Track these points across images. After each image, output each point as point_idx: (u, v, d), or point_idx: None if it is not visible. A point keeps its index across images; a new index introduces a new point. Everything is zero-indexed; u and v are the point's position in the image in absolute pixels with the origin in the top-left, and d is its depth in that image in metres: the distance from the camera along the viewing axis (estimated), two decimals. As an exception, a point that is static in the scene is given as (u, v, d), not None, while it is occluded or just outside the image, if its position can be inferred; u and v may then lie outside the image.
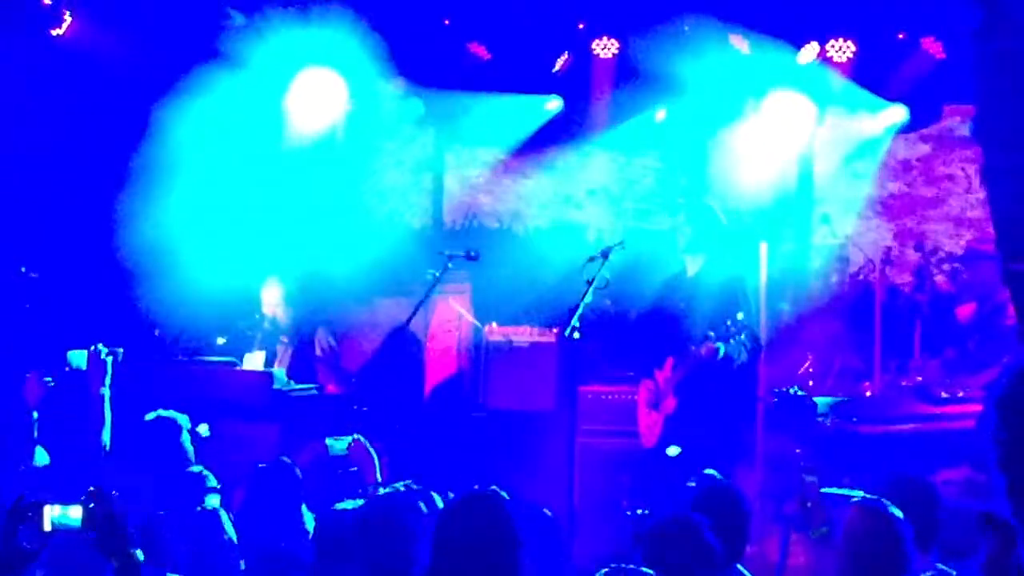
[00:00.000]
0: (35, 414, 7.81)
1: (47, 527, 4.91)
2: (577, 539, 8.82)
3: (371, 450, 9.16)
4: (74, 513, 4.93)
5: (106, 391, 8.14)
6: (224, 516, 6.54)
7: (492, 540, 5.05)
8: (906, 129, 12.06)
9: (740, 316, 9.19)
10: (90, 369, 8.39)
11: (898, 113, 11.97)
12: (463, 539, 5.05)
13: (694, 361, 9.26)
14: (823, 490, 7.78)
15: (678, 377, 9.37)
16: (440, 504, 5.84)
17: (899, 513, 5.63)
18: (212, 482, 6.77)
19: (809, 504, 6.15)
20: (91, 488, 5.00)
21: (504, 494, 5.25)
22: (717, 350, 9.14)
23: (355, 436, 8.60)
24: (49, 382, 8.27)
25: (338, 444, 8.39)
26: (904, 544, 5.54)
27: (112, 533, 4.74)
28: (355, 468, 7.85)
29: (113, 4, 11.47)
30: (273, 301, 10.27)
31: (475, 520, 5.08)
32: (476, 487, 5.32)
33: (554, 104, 12.43)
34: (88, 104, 11.74)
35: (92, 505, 4.79)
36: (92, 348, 8.54)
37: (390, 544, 5.46)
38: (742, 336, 9.14)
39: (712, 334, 9.15)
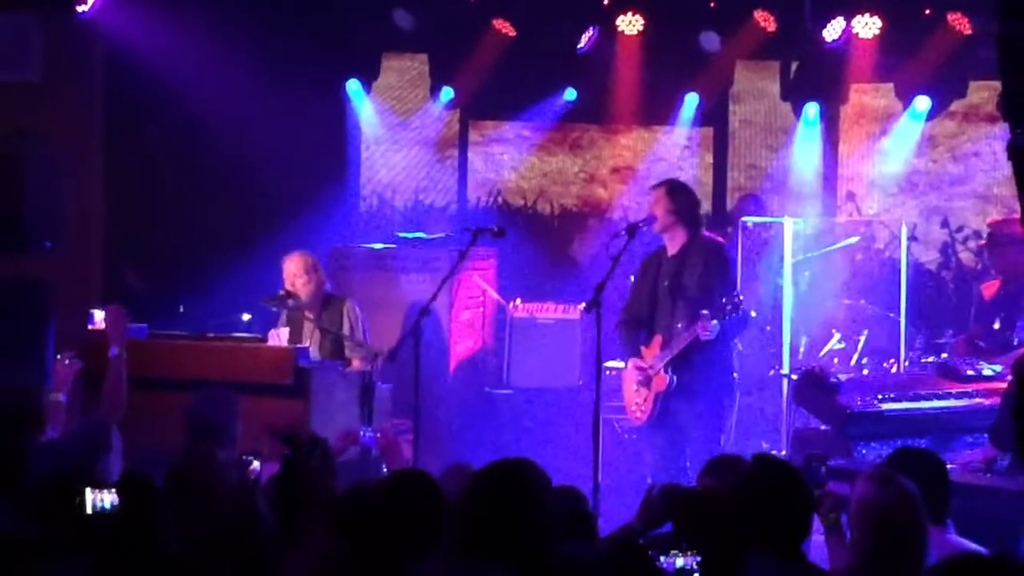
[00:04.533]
0: (60, 396, 7.79)
1: (88, 510, 4.90)
2: (602, 515, 8.83)
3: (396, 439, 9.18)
4: (110, 497, 4.92)
5: (123, 351, 8.06)
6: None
7: (519, 506, 5.11)
8: (932, 107, 12.01)
9: (733, 292, 9.20)
10: (108, 327, 8.33)
11: (922, 103, 11.94)
12: (491, 505, 5.11)
13: (688, 338, 9.25)
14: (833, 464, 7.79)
15: (670, 354, 9.35)
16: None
17: (910, 483, 5.62)
18: (253, 460, 6.79)
19: (818, 492, 6.12)
20: (126, 472, 5.00)
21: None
22: (713, 327, 9.14)
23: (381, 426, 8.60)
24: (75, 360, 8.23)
25: (368, 433, 8.40)
26: (918, 513, 5.54)
27: (144, 518, 4.74)
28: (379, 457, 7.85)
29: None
30: (294, 273, 10.26)
31: (503, 486, 5.15)
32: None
33: (578, 82, 12.39)
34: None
35: (125, 489, 4.79)
36: (110, 306, 8.48)
37: (414, 516, 5.46)
38: (737, 312, 9.14)
39: (706, 312, 9.14)
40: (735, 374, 10.06)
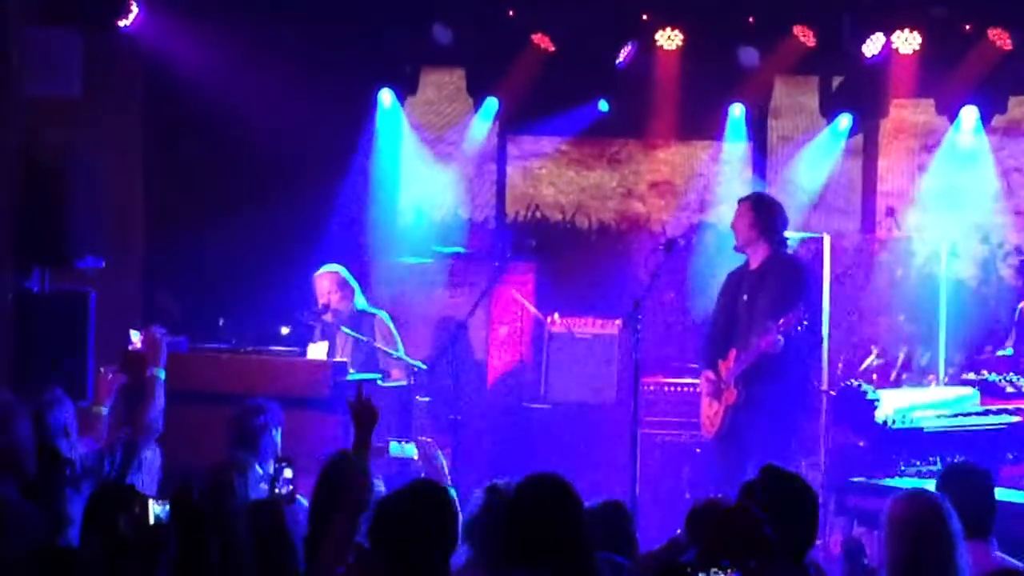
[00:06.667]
0: (103, 410, 7.82)
1: (151, 520, 5.02)
2: (640, 530, 8.82)
3: (440, 457, 9.20)
4: (159, 509, 5.05)
5: (160, 372, 8.09)
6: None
7: (560, 518, 5.24)
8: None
9: (801, 307, 9.17)
10: (145, 348, 8.37)
11: (969, 117, 11.90)
12: (533, 518, 5.24)
13: (755, 351, 9.25)
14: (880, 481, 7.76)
15: (740, 368, 9.37)
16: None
17: (940, 498, 5.62)
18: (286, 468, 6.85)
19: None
20: (182, 482, 5.09)
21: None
22: (778, 340, 9.12)
23: (422, 439, 8.61)
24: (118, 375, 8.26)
25: (404, 448, 8.40)
26: (950, 524, 5.53)
27: (191, 527, 4.81)
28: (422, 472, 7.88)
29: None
30: (327, 289, 10.29)
31: (543, 499, 5.30)
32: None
33: (616, 97, 12.39)
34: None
35: (179, 500, 4.88)
36: (146, 328, 8.53)
37: (423, 525, 5.48)
38: (802, 326, 9.12)
39: (772, 325, 9.14)
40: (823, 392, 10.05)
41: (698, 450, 10.59)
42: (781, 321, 9.08)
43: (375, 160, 12.64)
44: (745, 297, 9.56)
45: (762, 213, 9.62)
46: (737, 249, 9.76)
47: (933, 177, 12.66)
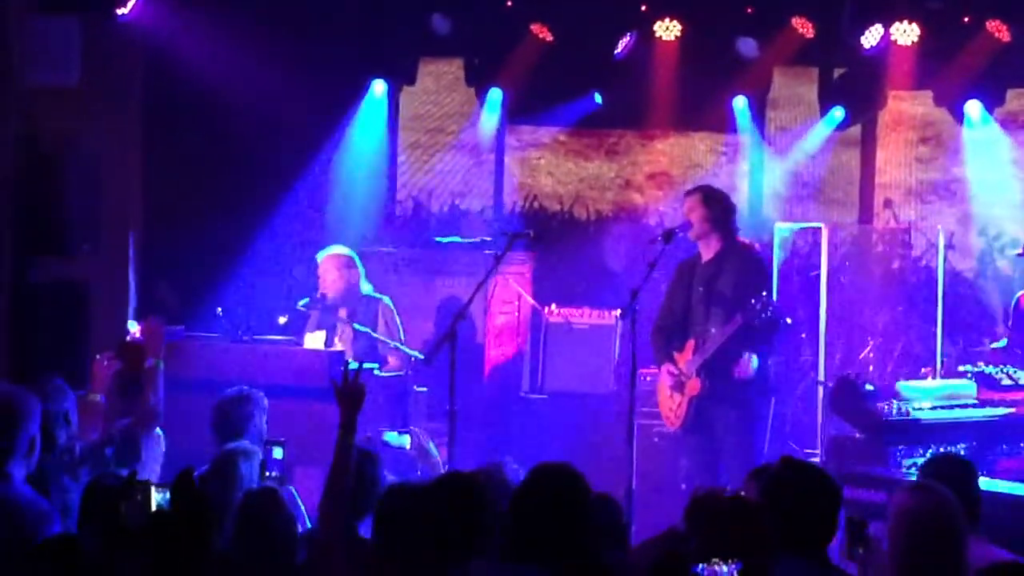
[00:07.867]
0: (98, 397, 7.84)
1: (153, 507, 5.04)
2: (636, 521, 8.85)
3: (432, 447, 9.20)
4: (160, 496, 5.08)
5: (159, 362, 8.11)
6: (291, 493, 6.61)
7: (573, 510, 5.24)
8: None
9: (764, 295, 9.19)
10: (144, 339, 8.39)
11: (975, 108, 11.91)
12: (541, 508, 5.22)
13: (719, 341, 9.26)
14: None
15: (701, 358, 9.37)
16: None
17: (947, 491, 5.63)
18: (278, 452, 6.85)
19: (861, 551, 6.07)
20: (184, 470, 5.11)
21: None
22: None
23: (415, 429, 8.60)
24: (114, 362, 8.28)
25: (398, 438, 8.39)
26: (957, 519, 5.54)
27: (194, 514, 4.82)
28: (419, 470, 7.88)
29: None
30: (329, 267, 10.31)
31: (557, 491, 5.27)
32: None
33: (615, 88, 12.39)
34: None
35: (180, 487, 4.90)
36: (146, 318, 8.55)
37: (453, 516, 5.48)
38: (767, 314, 9.12)
39: (738, 315, 9.16)
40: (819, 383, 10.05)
41: (657, 440, 10.58)
42: (746, 309, 9.10)
43: (366, 149, 12.65)
44: (701, 289, 9.53)
45: (713, 205, 9.60)
46: (691, 240, 9.74)
47: (932, 169, 12.68)
